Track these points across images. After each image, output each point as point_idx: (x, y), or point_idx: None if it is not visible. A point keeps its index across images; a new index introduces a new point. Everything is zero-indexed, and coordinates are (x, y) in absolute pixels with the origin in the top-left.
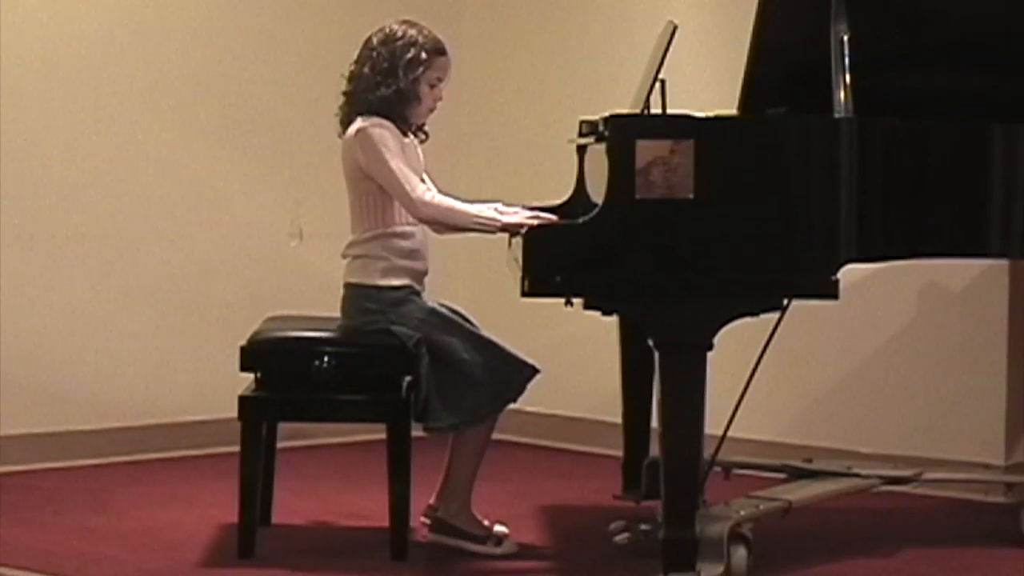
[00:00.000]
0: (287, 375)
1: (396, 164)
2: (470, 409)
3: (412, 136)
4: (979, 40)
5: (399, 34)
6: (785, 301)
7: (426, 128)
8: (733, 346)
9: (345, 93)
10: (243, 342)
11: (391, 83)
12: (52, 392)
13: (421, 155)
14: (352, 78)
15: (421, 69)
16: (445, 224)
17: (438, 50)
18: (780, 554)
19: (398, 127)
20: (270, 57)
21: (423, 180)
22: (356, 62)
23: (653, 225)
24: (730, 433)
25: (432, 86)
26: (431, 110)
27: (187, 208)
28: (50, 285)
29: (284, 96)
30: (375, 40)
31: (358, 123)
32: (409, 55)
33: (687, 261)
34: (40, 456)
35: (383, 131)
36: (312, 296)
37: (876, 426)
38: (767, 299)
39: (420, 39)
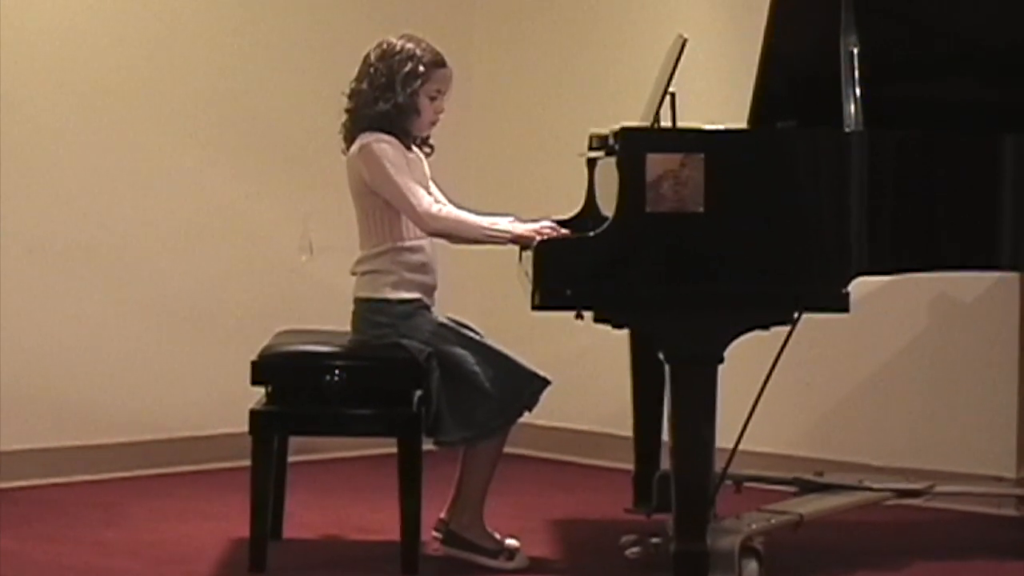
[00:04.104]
0: (298, 389)
1: (401, 179)
2: (481, 423)
3: (417, 149)
4: (989, 51)
5: (397, 48)
6: (796, 314)
7: (431, 141)
8: (744, 359)
9: (347, 110)
10: (254, 356)
11: (389, 97)
12: (63, 406)
13: (427, 168)
14: (352, 95)
15: (419, 82)
16: (455, 237)
17: (436, 62)
18: (791, 568)
19: (400, 141)
20: (280, 71)
21: (430, 193)
22: (356, 79)
23: (663, 238)
24: (741, 446)
25: (432, 98)
26: (433, 123)
27: (198, 222)
28: (60, 299)
29: (294, 110)
30: (373, 56)
31: (361, 140)
32: (407, 69)
33: (697, 274)
34: (52, 470)
35: (385, 146)
36: (322, 310)
37: (887, 439)
38: (778, 312)
39: (418, 52)
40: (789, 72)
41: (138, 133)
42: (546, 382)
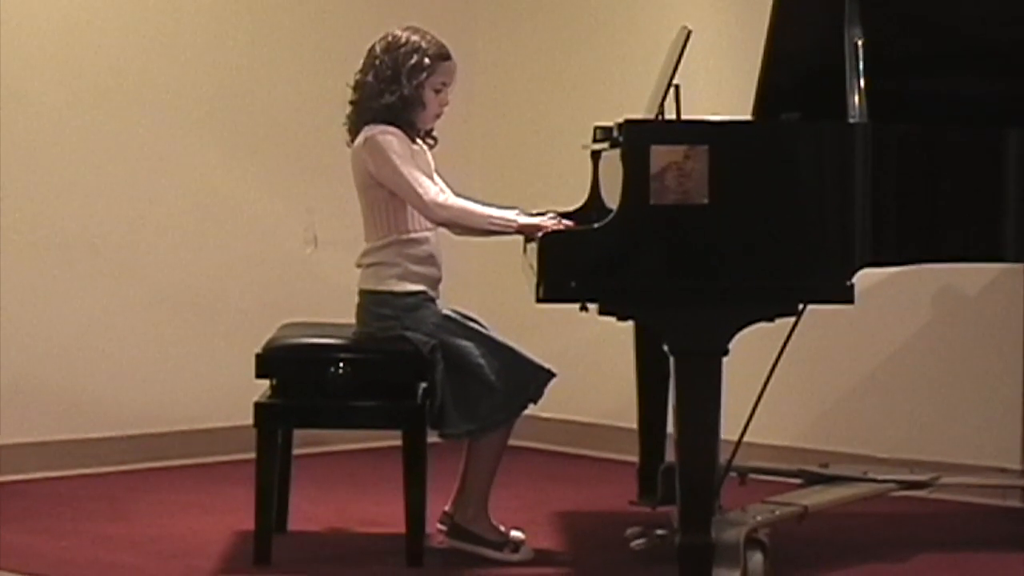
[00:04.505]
0: (302, 382)
1: (407, 169)
2: (486, 415)
3: (420, 142)
4: (993, 44)
5: (402, 40)
6: (800, 306)
7: (435, 133)
8: (748, 351)
9: (351, 102)
10: (258, 349)
11: (395, 90)
12: (68, 399)
13: (431, 160)
14: (357, 87)
15: (425, 75)
16: (461, 226)
17: (441, 55)
18: (796, 559)
19: (405, 133)
20: (284, 64)
21: (435, 184)
22: (361, 71)
23: (667, 230)
24: (746, 438)
25: (437, 91)
26: (438, 115)
27: (202, 215)
28: (65, 292)
29: (299, 103)
30: (378, 48)
31: (365, 132)
32: (412, 61)
33: (702, 266)
34: (56, 463)
35: (390, 137)
36: (327, 303)
37: (892, 430)
38: (782, 304)
39: (423, 44)
40: (793, 64)
41: (141, 126)
42: (551, 374)
